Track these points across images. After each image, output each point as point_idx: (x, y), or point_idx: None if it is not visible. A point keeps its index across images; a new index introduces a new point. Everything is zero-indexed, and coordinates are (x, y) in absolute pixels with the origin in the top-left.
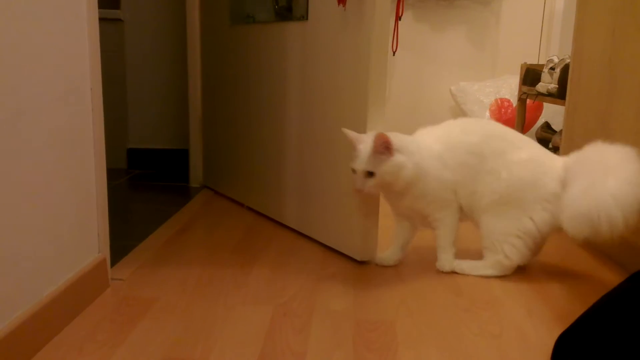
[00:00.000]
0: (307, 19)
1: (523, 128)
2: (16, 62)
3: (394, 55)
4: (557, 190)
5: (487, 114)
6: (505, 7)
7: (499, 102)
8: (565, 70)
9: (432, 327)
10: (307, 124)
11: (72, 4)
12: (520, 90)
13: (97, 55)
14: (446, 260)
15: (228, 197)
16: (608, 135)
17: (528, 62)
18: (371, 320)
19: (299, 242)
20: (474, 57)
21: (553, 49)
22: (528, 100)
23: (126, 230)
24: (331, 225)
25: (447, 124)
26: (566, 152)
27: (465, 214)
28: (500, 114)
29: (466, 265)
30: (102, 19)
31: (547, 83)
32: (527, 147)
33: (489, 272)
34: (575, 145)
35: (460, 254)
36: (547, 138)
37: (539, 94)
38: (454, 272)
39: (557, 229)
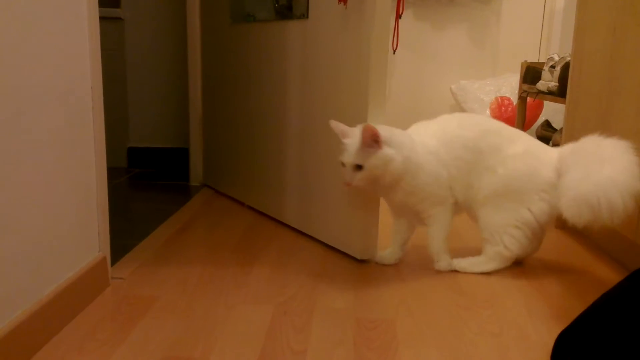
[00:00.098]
0: (307, 17)
1: (523, 126)
2: (16, 62)
3: (394, 53)
4: (553, 180)
5: (488, 112)
6: (505, 6)
7: (500, 100)
8: (565, 68)
9: (432, 326)
10: (308, 123)
11: (73, 3)
12: (520, 88)
13: (97, 55)
14: (444, 260)
15: (228, 196)
16: (608, 133)
17: (528, 61)
18: (371, 319)
19: (299, 241)
20: (474, 55)
21: (553, 47)
22: (528, 99)
23: (126, 229)
24: (331, 224)
25: (442, 119)
26: None
27: (461, 208)
28: (501, 112)
29: (466, 263)
30: (102, 18)
31: (548, 81)
32: (521, 141)
33: (490, 266)
34: None
35: (460, 253)
36: (548, 136)
37: (540, 92)
38: (454, 271)
39: (555, 218)
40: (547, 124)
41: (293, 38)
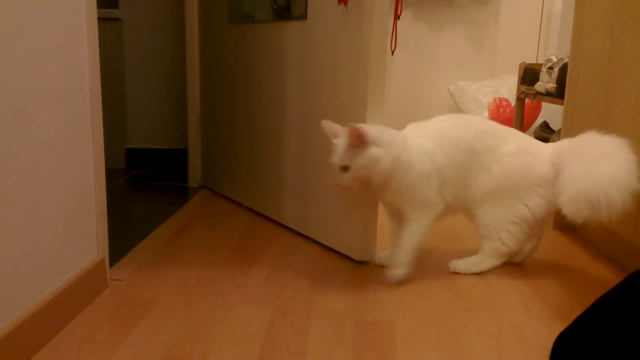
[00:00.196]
0: (305, 18)
1: (522, 127)
2: (15, 63)
3: (392, 54)
4: (549, 176)
5: (486, 113)
6: (504, 7)
7: (498, 101)
8: (563, 69)
9: (430, 327)
10: (306, 124)
11: (72, 4)
12: (518, 89)
13: (96, 55)
14: (402, 269)
15: (227, 197)
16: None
17: (526, 62)
18: (370, 321)
19: (297, 242)
20: (472, 56)
21: (552, 49)
22: (526, 100)
23: (125, 230)
24: (330, 225)
25: (437, 120)
26: None
27: (455, 209)
28: (499, 113)
29: (464, 264)
30: (100, 19)
31: (546, 82)
32: (514, 139)
33: (488, 264)
34: None
35: (460, 253)
36: (546, 137)
37: (538, 93)
38: (453, 273)
39: (551, 213)
40: (545, 125)
41: (292, 39)
